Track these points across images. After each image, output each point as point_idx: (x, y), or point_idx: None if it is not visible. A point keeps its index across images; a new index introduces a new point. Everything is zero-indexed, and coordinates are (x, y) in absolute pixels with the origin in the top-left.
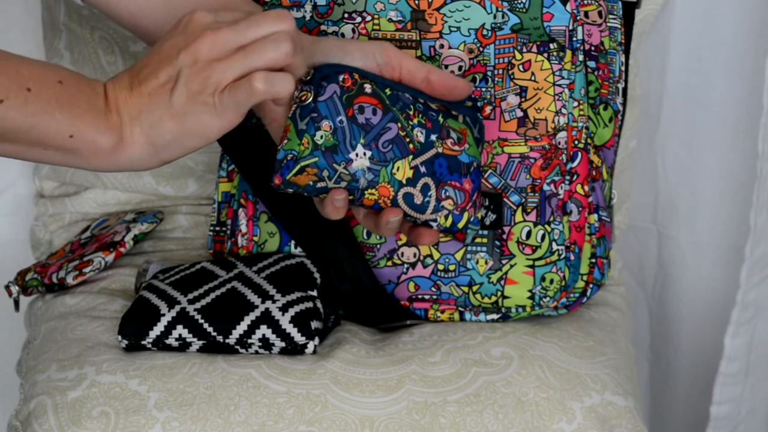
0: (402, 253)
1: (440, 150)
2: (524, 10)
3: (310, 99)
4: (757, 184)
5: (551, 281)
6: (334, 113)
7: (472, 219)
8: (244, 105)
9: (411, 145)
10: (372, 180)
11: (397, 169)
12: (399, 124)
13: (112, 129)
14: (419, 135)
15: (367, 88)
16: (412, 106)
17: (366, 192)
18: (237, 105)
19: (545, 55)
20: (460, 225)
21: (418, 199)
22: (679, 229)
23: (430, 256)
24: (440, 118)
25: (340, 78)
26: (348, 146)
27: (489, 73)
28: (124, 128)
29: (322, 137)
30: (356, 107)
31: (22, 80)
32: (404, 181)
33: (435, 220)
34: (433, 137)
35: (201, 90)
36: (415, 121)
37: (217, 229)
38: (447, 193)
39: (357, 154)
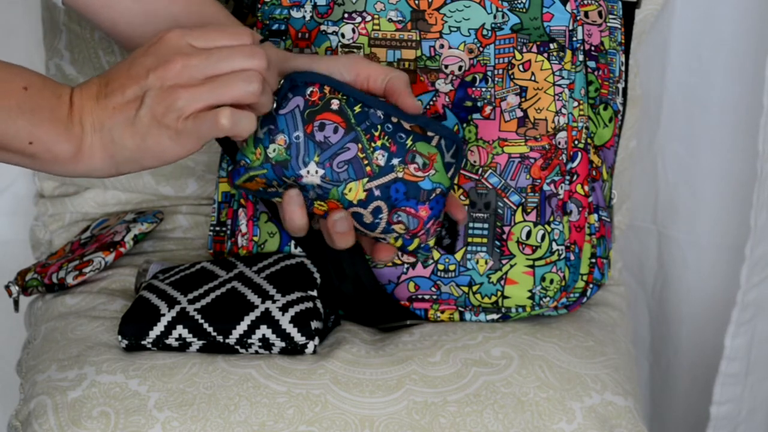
0: (402, 253)
1: (400, 175)
2: (524, 10)
3: (273, 109)
4: (757, 184)
5: (551, 281)
6: (292, 128)
7: (422, 245)
8: (205, 136)
9: (368, 168)
10: (321, 194)
11: (349, 190)
12: (360, 145)
13: (72, 139)
14: (380, 158)
15: (334, 104)
16: (380, 126)
17: (315, 202)
18: (198, 135)
19: (545, 55)
20: (410, 248)
21: (368, 219)
22: (679, 229)
23: (430, 256)
24: (409, 141)
25: (308, 91)
26: (300, 163)
27: (489, 73)
28: (85, 139)
29: (275, 150)
30: (317, 124)
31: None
32: (355, 202)
33: (384, 239)
34: (395, 161)
35: (165, 113)
36: (379, 143)
37: (217, 229)
38: (399, 218)
39: (308, 171)
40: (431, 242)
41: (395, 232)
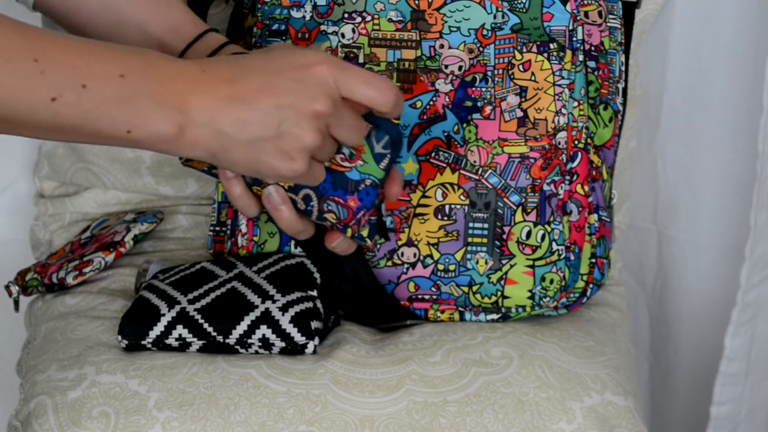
0: (402, 253)
1: (326, 164)
2: (524, 10)
3: None
4: (757, 184)
5: (551, 281)
6: None
7: (356, 235)
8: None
9: None
10: (257, 179)
11: None
12: None
13: (175, 127)
14: None
15: None
16: None
17: (253, 187)
18: (314, 176)
19: (545, 55)
20: (348, 237)
21: (301, 206)
22: (679, 229)
23: (430, 256)
24: None
25: None
26: None
27: (489, 73)
28: (190, 130)
29: None
30: None
31: (78, 76)
32: (285, 188)
33: (323, 225)
34: None
35: (291, 150)
36: None
37: (217, 229)
38: (329, 207)
39: None
40: (364, 232)
41: (328, 220)
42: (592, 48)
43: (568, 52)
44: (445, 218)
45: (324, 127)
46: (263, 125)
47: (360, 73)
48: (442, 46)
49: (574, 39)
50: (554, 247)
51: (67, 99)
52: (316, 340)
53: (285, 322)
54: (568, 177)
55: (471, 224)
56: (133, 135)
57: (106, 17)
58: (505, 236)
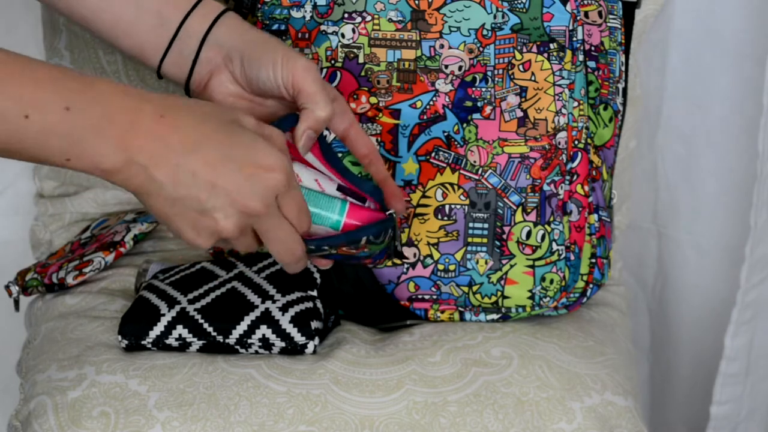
0: (402, 254)
1: (333, 252)
2: (524, 10)
3: None
4: (757, 184)
5: (551, 281)
6: None
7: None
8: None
9: None
10: None
11: None
12: None
13: (113, 163)
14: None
15: None
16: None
17: None
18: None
19: (545, 55)
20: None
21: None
22: (679, 229)
23: (430, 256)
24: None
25: None
26: None
27: (489, 73)
28: (129, 168)
29: None
30: None
31: (21, 106)
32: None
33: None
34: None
35: (206, 230)
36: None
37: None
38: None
39: None
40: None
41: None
42: (592, 48)
43: (568, 52)
44: (445, 218)
45: (247, 226)
46: (194, 196)
47: (299, 201)
48: (442, 46)
49: (574, 39)
50: (554, 247)
51: (8, 126)
52: (316, 340)
53: (285, 322)
54: (568, 177)
55: (471, 224)
56: (72, 163)
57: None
58: (505, 236)
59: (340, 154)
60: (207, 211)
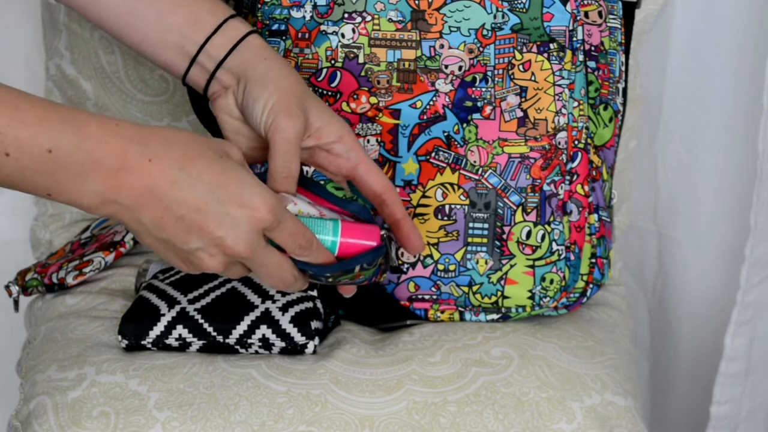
0: (402, 253)
1: (330, 281)
2: (524, 10)
3: None
4: (757, 184)
5: (551, 281)
6: None
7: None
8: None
9: None
10: None
11: None
12: None
13: (95, 200)
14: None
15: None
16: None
17: None
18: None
19: (545, 55)
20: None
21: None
22: (679, 229)
23: (430, 256)
24: (331, 278)
25: None
26: None
27: (489, 73)
28: (111, 207)
29: None
30: None
31: (1, 145)
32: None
33: None
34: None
35: (191, 261)
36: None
37: None
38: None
39: None
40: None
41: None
42: (592, 48)
43: (568, 52)
44: (445, 218)
45: (233, 262)
46: (179, 238)
47: (291, 231)
48: (442, 46)
49: (574, 39)
50: (554, 247)
51: None
52: (316, 340)
53: (285, 322)
54: (568, 177)
55: (471, 224)
56: (54, 197)
57: (124, 7)
58: (505, 236)
59: (322, 182)
60: (192, 252)
